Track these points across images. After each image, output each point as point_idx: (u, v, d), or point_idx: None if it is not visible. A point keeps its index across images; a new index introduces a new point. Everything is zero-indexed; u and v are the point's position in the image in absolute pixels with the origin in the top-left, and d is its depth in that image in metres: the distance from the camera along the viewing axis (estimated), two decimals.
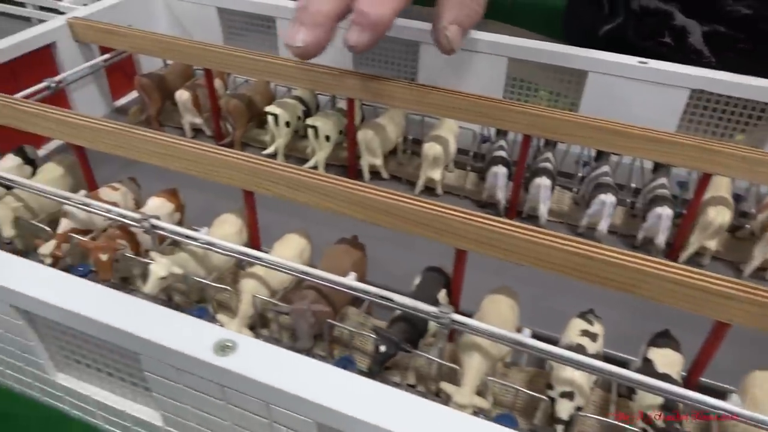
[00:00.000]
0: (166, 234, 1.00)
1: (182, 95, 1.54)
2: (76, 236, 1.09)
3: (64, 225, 1.11)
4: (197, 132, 1.64)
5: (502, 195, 1.33)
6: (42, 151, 1.56)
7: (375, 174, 1.47)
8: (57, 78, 1.47)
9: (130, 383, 0.84)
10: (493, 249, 0.89)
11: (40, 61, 1.53)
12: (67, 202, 1.08)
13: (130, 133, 1.08)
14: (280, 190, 1.00)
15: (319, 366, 0.69)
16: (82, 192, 1.09)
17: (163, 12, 1.85)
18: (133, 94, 1.85)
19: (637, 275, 0.83)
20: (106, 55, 1.62)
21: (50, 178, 1.21)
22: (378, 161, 1.43)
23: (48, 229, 1.12)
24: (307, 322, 0.90)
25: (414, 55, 1.64)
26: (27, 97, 1.35)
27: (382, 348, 0.85)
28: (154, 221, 0.99)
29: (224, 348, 0.69)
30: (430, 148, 1.35)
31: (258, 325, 1.02)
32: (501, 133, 1.46)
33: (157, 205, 1.13)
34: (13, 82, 1.45)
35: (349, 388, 0.66)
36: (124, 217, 1.02)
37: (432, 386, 0.96)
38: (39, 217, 1.19)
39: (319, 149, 1.44)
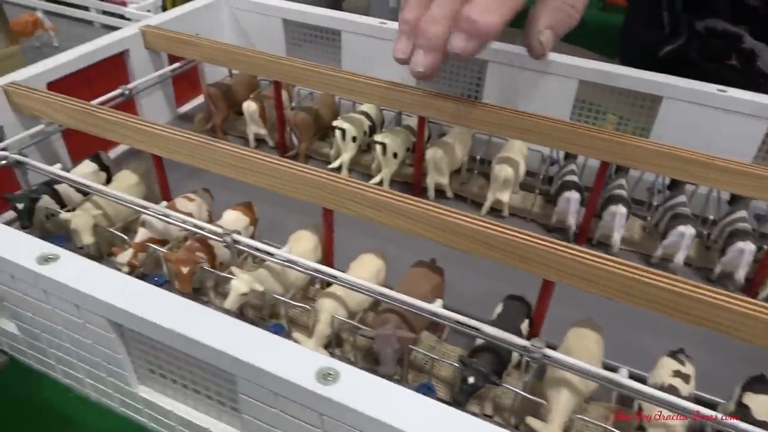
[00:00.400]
0: (246, 249, 1.00)
1: (250, 106, 1.55)
2: (154, 246, 1.10)
3: (142, 234, 1.11)
4: (259, 142, 1.65)
5: (573, 220, 1.31)
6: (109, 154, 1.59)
7: (439, 193, 1.46)
8: (131, 85, 1.49)
9: (216, 401, 0.83)
10: (585, 282, 0.87)
11: (113, 67, 1.56)
12: (146, 211, 1.08)
13: (212, 145, 1.08)
14: (363, 211, 0.99)
15: (421, 399, 0.67)
16: (164, 203, 1.09)
17: (228, 22, 1.87)
18: (196, 102, 1.87)
19: (740, 318, 0.79)
20: (177, 64, 1.64)
21: (126, 186, 1.22)
22: (444, 180, 1.42)
23: (125, 237, 1.13)
24: (392, 348, 0.89)
25: (480, 73, 1.62)
26: (103, 103, 1.37)
27: (471, 380, 0.83)
28: (236, 236, 0.99)
29: (326, 376, 0.68)
30: (501, 170, 1.33)
31: (332, 344, 1.01)
32: (570, 157, 1.43)
33: (233, 218, 1.14)
34: (88, 88, 1.48)
35: (447, 421, 0.65)
36: (206, 230, 1.02)
37: (510, 418, 0.94)
38: (114, 225, 1.20)
39: (385, 166, 1.43)
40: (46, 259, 0.82)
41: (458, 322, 0.87)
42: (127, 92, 1.46)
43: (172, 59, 1.69)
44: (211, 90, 1.60)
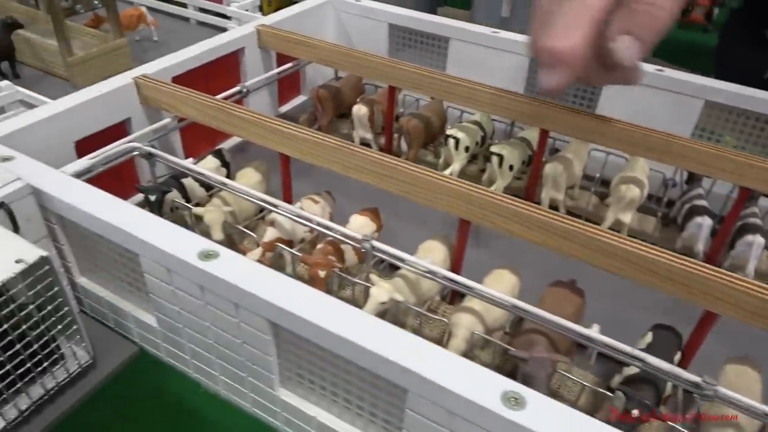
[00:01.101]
0: (383, 256, 0.98)
1: (360, 110, 1.54)
2: (283, 246, 1.09)
3: (271, 234, 1.11)
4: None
5: (702, 247, 1.24)
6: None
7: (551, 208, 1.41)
8: (248, 83, 1.50)
9: (367, 413, 0.81)
10: (758, 318, 0.82)
11: (227, 65, 1.57)
12: (279, 211, 1.08)
13: (351, 150, 1.07)
14: (507, 225, 0.97)
15: (599, 426, 0.64)
16: (298, 204, 1.09)
17: (332, 24, 1.87)
18: (295, 102, 1.88)
19: None
20: (289, 64, 1.64)
21: (249, 184, 1.22)
22: (560, 196, 1.38)
23: (254, 235, 1.13)
24: (546, 372, 0.85)
25: (596, 87, 1.57)
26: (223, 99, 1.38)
27: (635, 412, 0.79)
28: (376, 243, 0.98)
29: (512, 400, 0.65)
30: (628, 190, 1.28)
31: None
32: (695, 180, 1.37)
33: (361, 223, 1.12)
34: (204, 84, 1.50)
35: None
36: (345, 235, 1.01)
37: None
38: (237, 223, 1.20)
39: (500, 178, 1.39)
40: (207, 255, 0.82)
41: (616, 350, 0.83)
42: (244, 90, 1.47)
43: (281, 59, 1.70)
44: (320, 92, 1.60)
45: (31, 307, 0.84)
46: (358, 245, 0.99)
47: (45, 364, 0.90)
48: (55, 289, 0.86)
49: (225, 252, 0.83)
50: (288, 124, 1.14)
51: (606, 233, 0.91)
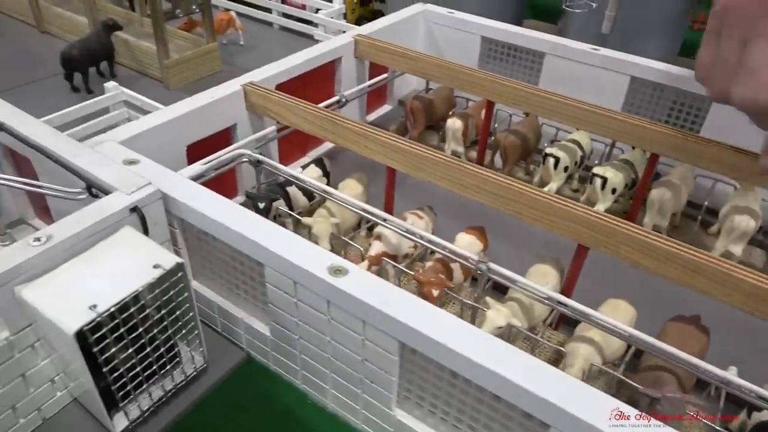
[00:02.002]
0: (499, 279, 0.97)
1: (455, 123, 1.53)
2: (390, 261, 1.09)
3: (377, 247, 1.11)
4: None
5: None
6: (305, 159, 1.62)
7: None
8: (347, 92, 1.51)
9: None
10: None
11: (323, 74, 1.59)
12: (386, 224, 1.08)
13: (463, 167, 1.06)
14: (635, 257, 0.93)
15: None
16: (410, 219, 1.08)
17: (422, 35, 1.87)
18: (381, 111, 1.89)
19: None
20: (384, 75, 1.65)
21: (352, 196, 1.22)
22: (665, 223, 1.33)
23: (360, 248, 1.13)
24: (678, 412, 0.82)
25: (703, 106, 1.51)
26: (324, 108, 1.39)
27: None
28: (492, 265, 0.96)
29: None
30: (742, 221, 1.22)
31: None
32: None
33: (468, 241, 1.11)
34: (303, 92, 1.51)
35: None
36: (458, 255, 0.99)
37: None
38: (341, 234, 1.20)
39: (602, 200, 1.35)
40: (336, 271, 0.82)
41: (753, 393, 0.79)
42: (343, 99, 1.48)
43: (374, 69, 1.70)
44: (414, 103, 1.59)
45: (163, 311, 0.86)
46: (473, 266, 0.98)
47: (167, 366, 0.92)
48: (185, 294, 0.87)
49: (354, 268, 0.83)
50: (398, 138, 1.14)
51: (740, 269, 0.87)
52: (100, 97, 1.59)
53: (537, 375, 0.69)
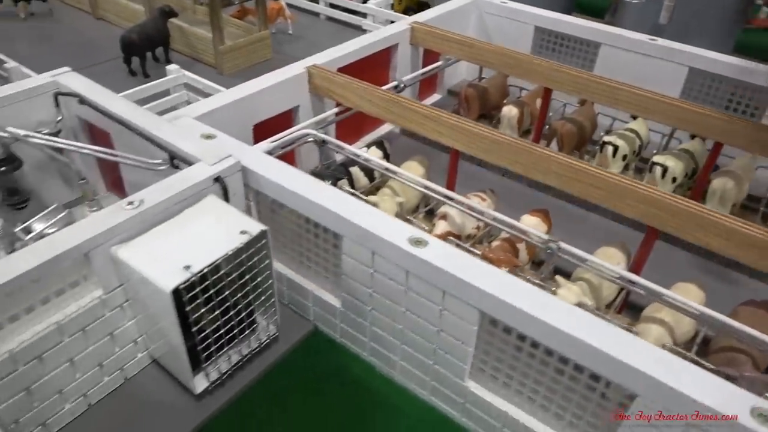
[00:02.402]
0: (569, 258, 0.97)
1: (511, 111, 1.53)
2: (454, 239, 1.11)
3: (442, 227, 1.12)
4: None
5: None
6: (359, 143, 1.64)
7: None
8: (405, 78, 1.53)
9: (571, 414, 0.81)
10: None
11: (379, 60, 1.61)
12: (452, 204, 1.09)
13: (533, 150, 1.07)
14: (709, 239, 0.93)
15: None
16: (475, 199, 1.10)
17: (474, 24, 1.88)
18: (431, 99, 1.90)
19: None
20: (439, 62, 1.66)
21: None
22: (725, 213, 1.32)
23: (424, 227, 1.15)
24: (756, 392, 0.82)
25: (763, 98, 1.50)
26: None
27: None
28: (563, 244, 0.97)
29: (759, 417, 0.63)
30: None
31: None
32: None
33: (533, 223, 1.12)
34: (360, 77, 1.53)
35: None
36: (527, 233, 1.01)
37: None
38: (404, 214, 1.22)
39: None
40: (417, 242, 0.84)
41: None
42: (402, 85, 1.50)
43: (425, 59, 1.72)
44: (468, 91, 1.60)
45: (246, 276, 0.88)
46: (542, 245, 0.99)
47: (246, 332, 0.95)
48: (266, 261, 0.90)
49: (434, 240, 0.85)
50: (466, 120, 1.16)
51: None
52: (163, 79, 1.63)
53: (626, 344, 0.70)
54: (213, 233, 0.86)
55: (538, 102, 1.59)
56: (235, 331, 0.92)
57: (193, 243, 0.84)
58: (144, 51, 1.93)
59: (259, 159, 1.01)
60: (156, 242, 0.84)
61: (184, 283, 0.77)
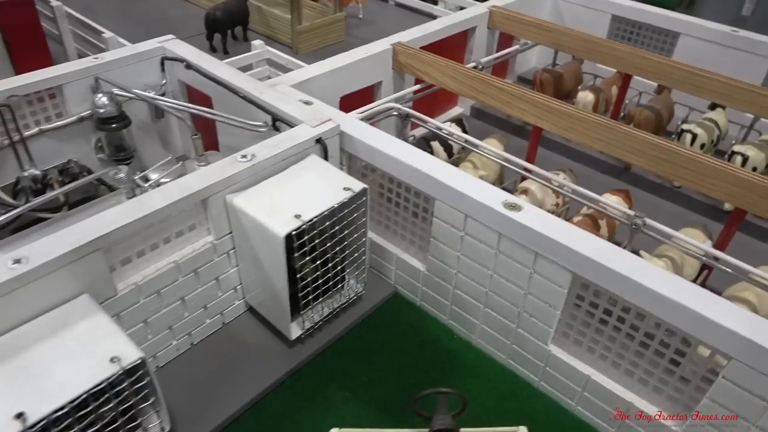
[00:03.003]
0: (653, 235, 0.99)
1: (587, 96, 1.55)
2: None
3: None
4: None
5: None
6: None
7: None
8: (483, 59, 1.56)
9: (657, 379, 0.83)
10: None
11: (456, 43, 1.64)
12: (536, 179, 1.12)
13: (620, 129, 1.09)
14: None
15: None
16: (562, 175, 1.12)
17: (548, 11, 1.89)
18: None
19: None
20: (516, 46, 1.69)
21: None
22: None
23: None
24: None
25: None
26: None
27: None
28: (649, 220, 0.99)
29: None
30: None
31: None
32: None
33: (613, 202, 1.13)
34: None
35: None
36: (610, 209, 1.03)
37: None
38: None
39: None
40: (512, 206, 0.88)
41: None
42: (480, 66, 1.53)
43: (500, 43, 1.74)
44: (543, 76, 1.62)
45: (345, 231, 0.94)
46: (627, 221, 1.01)
47: (338, 286, 1.01)
48: (363, 219, 0.95)
49: (528, 206, 0.88)
50: (551, 98, 1.18)
51: None
52: (247, 54, 1.70)
53: (722, 307, 0.72)
54: (318, 188, 0.91)
55: (614, 90, 1.60)
56: (329, 284, 0.98)
57: (300, 195, 0.89)
58: (226, 28, 2.01)
59: (356, 124, 1.06)
60: (267, 193, 0.90)
61: (296, 230, 0.83)
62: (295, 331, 0.97)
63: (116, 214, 0.79)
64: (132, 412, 0.76)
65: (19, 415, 0.62)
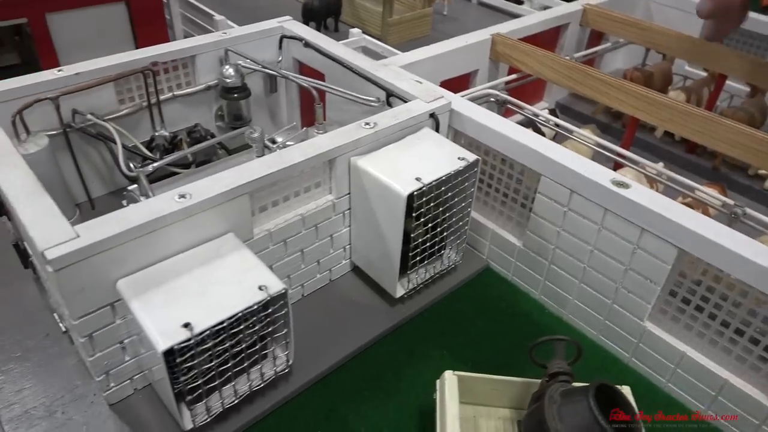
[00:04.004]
0: (753, 225, 1.01)
1: (678, 96, 1.56)
2: None
3: None
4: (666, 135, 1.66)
5: None
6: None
7: None
8: (577, 54, 1.60)
9: (756, 357, 0.86)
10: None
11: (548, 38, 1.68)
12: (636, 167, 1.16)
13: (722, 122, 1.11)
14: None
15: None
16: (661, 164, 1.16)
17: (640, 13, 1.90)
18: None
19: None
20: (608, 44, 1.72)
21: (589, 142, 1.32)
22: None
23: None
24: None
25: None
26: None
27: None
28: (749, 210, 1.01)
29: None
30: None
31: None
32: None
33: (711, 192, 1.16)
34: None
35: None
36: (710, 198, 1.05)
37: None
38: None
39: None
40: (620, 184, 0.92)
41: None
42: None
43: (591, 40, 1.78)
44: (634, 74, 1.65)
45: (456, 199, 1.00)
46: (725, 211, 1.03)
47: (439, 253, 1.07)
48: (472, 190, 1.02)
49: (635, 184, 0.93)
50: (651, 90, 1.21)
51: None
52: (347, 41, 1.80)
53: None
54: (434, 156, 0.98)
55: (705, 91, 1.61)
56: (434, 249, 1.04)
57: (418, 161, 0.96)
58: (321, 18, 2.12)
59: (465, 103, 1.13)
60: (388, 157, 0.97)
61: (417, 190, 0.90)
62: (399, 289, 1.04)
63: (261, 164, 0.88)
64: (266, 341, 0.84)
65: (186, 325, 0.71)
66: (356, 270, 1.14)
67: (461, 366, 0.99)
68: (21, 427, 0.86)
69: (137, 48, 1.32)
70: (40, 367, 0.95)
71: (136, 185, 0.97)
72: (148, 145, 1.21)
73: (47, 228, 0.73)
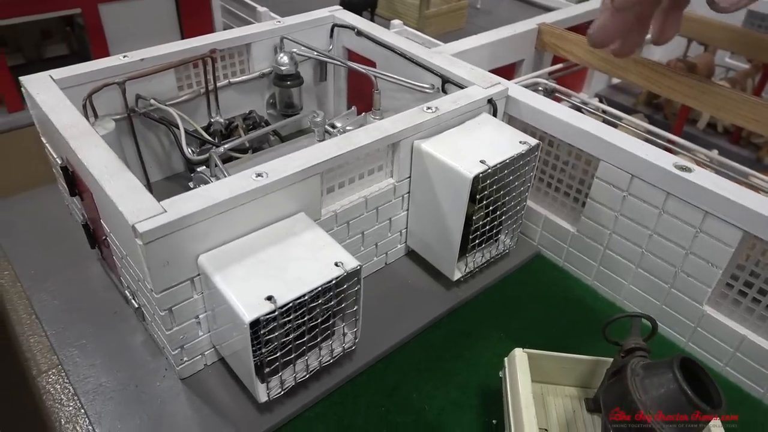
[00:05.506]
0: None
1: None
2: None
3: None
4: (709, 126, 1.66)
5: None
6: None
7: None
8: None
9: None
10: None
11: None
12: (690, 155, 1.16)
13: None
14: None
15: None
16: (716, 151, 1.16)
17: None
18: None
19: None
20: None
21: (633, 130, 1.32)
22: None
23: None
24: None
25: None
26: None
27: None
28: None
29: None
30: None
31: None
32: None
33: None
34: None
35: None
36: (763, 182, 1.06)
37: None
38: None
39: None
40: (682, 168, 0.93)
41: None
42: None
43: None
44: (677, 64, 1.64)
45: (516, 183, 1.02)
46: None
47: (498, 237, 1.09)
48: (531, 174, 1.03)
49: (697, 168, 0.93)
50: (700, 78, 1.22)
51: None
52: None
53: None
54: (495, 140, 1.00)
55: (749, 82, 1.60)
56: (491, 233, 1.06)
57: (480, 145, 0.98)
58: (359, 10, 2.14)
59: (520, 90, 1.14)
60: (450, 141, 0.99)
61: (482, 173, 0.91)
62: (457, 273, 1.06)
63: (331, 146, 0.90)
64: (337, 317, 0.86)
65: (270, 298, 0.74)
66: (411, 254, 1.16)
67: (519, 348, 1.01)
68: (97, 400, 0.89)
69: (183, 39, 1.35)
70: (111, 343, 0.98)
71: (204, 167, 0.99)
72: (206, 130, 1.24)
73: (136, 203, 0.76)
